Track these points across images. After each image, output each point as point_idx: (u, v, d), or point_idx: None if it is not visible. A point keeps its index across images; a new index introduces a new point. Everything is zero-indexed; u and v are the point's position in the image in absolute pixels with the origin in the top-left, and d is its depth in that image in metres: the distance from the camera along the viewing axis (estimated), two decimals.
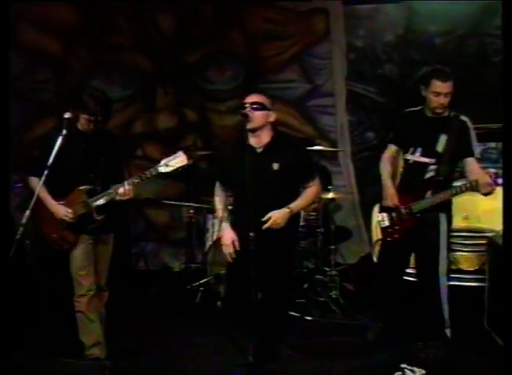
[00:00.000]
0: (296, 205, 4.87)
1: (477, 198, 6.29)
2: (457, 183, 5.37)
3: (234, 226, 5.04)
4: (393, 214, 5.40)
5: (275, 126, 5.00)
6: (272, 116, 4.92)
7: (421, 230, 5.34)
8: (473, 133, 5.28)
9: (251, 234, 4.64)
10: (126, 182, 4.93)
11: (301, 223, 6.15)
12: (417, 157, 5.34)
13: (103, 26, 8.52)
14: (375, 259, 6.17)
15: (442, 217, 5.34)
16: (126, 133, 8.44)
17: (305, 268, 7.15)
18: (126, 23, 8.53)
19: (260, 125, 4.86)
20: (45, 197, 4.99)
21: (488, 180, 5.05)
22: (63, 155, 4.77)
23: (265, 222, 4.78)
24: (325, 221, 7.04)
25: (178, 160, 4.87)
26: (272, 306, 4.94)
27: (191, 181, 7.43)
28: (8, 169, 4.74)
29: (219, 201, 5.20)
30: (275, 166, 4.86)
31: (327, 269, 7.01)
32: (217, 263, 6.67)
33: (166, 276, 8.03)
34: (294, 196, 4.93)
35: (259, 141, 4.92)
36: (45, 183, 4.78)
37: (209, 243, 6.96)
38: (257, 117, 4.84)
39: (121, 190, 4.91)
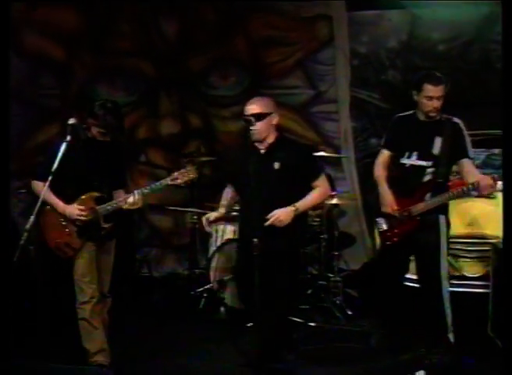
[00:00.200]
0: (301, 203, 4.86)
1: (481, 205, 6.33)
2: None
3: (240, 231, 5.09)
4: (392, 218, 5.41)
5: (278, 126, 5.02)
6: (275, 119, 4.94)
7: (421, 233, 5.34)
8: (466, 135, 5.33)
9: (255, 240, 4.64)
10: (136, 191, 4.95)
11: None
12: (413, 161, 5.35)
13: (107, 32, 8.55)
14: None
15: (442, 219, 5.36)
16: (130, 138, 8.44)
17: (309, 274, 7.15)
18: (129, 29, 8.56)
19: (265, 135, 4.92)
20: (54, 201, 4.97)
21: (490, 181, 5.09)
22: (69, 161, 4.78)
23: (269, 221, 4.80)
24: (329, 227, 7.03)
25: (187, 173, 4.94)
26: (273, 308, 4.92)
27: (195, 187, 7.43)
28: (8, 174, 4.73)
29: (224, 197, 5.22)
30: (276, 165, 4.88)
31: (330, 275, 7.00)
32: (220, 269, 6.67)
33: (170, 282, 8.03)
34: (299, 196, 4.91)
35: (263, 142, 4.97)
36: (51, 189, 4.80)
37: (213, 249, 6.95)
38: (261, 128, 4.88)
39: (130, 199, 4.93)
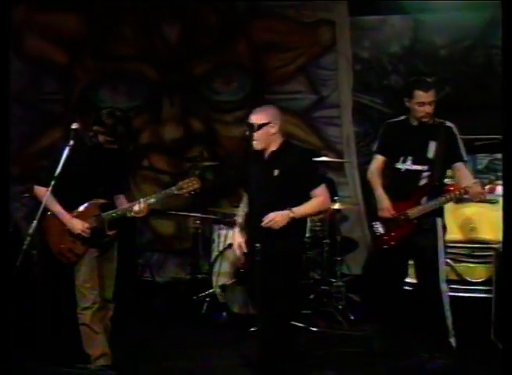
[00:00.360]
0: (298, 209, 4.87)
1: (483, 210, 6.33)
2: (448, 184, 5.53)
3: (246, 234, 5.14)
4: (389, 222, 5.42)
5: (283, 133, 5.05)
6: (273, 128, 4.96)
7: (418, 236, 5.38)
8: (459, 138, 5.40)
9: (257, 245, 4.66)
10: (141, 200, 4.98)
11: (307, 234, 6.15)
12: (409, 165, 5.40)
13: (109, 37, 8.56)
14: None
15: (439, 222, 5.41)
16: (133, 144, 8.44)
17: (311, 279, 7.13)
18: (132, 33, 8.57)
19: (264, 143, 4.96)
20: (59, 211, 4.97)
21: (479, 189, 5.20)
22: (74, 166, 4.80)
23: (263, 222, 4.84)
24: (331, 232, 7.03)
25: (191, 184, 5.01)
26: (272, 310, 4.92)
27: (197, 192, 7.42)
28: (8, 178, 4.74)
29: (241, 207, 5.28)
30: (276, 172, 4.91)
31: (333, 279, 7.00)
32: (223, 274, 6.66)
33: (172, 287, 8.03)
34: (298, 204, 4.92)
35: (267, 150, 5.01)
36: (53, 195, 4.80)
37: (215, 253, 6.96)
38: (258, 138, 4.93)
39: (136, 207, 4.95)
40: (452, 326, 5.33)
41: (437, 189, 5.38)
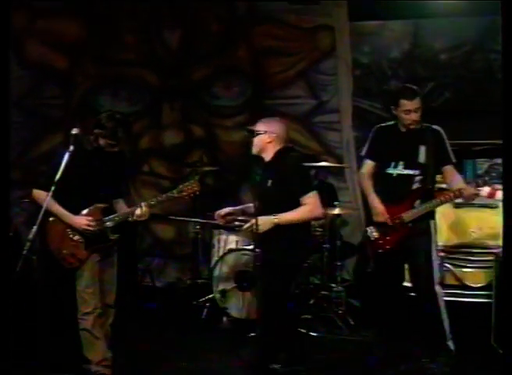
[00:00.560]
0: (283, 215, 4.91)
1: (483, 214, 6.34)
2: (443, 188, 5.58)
3: None
4: (383, 226, 5.45)
5: (281, 142, 5.11)
6: (268, 138, 5.07)
7: (413, 239, 5.41)
8: (447, 141, 5.47)
9: (257, 250, 4.69)
10: (142, 204, 4.99)
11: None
12: (400, 170, 5.45)
13: (109, 42, 8.58)
14: None
15: (432, 224, 5.48)
16: (133, 148, 8.45)
17: (311, 284, 7.13)
18: (132, 39, 8.58)
19: (259, 149, 5.10)
20: (60, 211, 4.96)
21: (473, 191, 5.29)
22: (74, 171, 4.79)
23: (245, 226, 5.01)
24: (331, 237, 7.03)
25: (191, 187, 5.02)
26: (268, 312, 4.94)
27: (197, 197, 7.42)
28: (8, 182, 4.74)
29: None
30: (269, 182, 5.02)
31: (333, 285, 7.00)
32: (223, 279, 6.66)
33: (172, 292, 8.03)
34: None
35: (265, 158, 5.13)
36: (54, 199, 4.80)
37: (215, 258, 6.95)
38: (255, 143, 5.08)
39: (138, 211, 4.97)
40: (449, 330, 5.34)
41: (429, 192, 5.46)
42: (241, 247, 6.76)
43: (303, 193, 4.96)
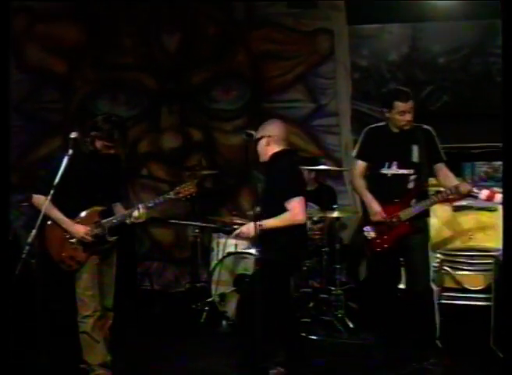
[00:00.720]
0: (267, 221, 4.95)
1: (482, 217, 6.33)
2: (440, 190, 5.57)
3: None
4: (381, 225, 5.47)
5: (278, 144, 5.14)
6: (265, 142, 5.12)
7: (411, 237, 5.45)
8: (438, 140, 5.53)
9: (256, 253, 4.71)
10: (140, 206, 5.00)
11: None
12: (394, 170, 5.48)
13: (108, 46, 8.59)
14: None
15: (428, 222, 5.56)
16: (132, 152, 8.45)
17: (310, 287, 7.12)
18: (131, 43, 8.59)
19: (261, 156, 5.17)
20: (60, 217, 4.97)
21: (468, 186, 5.36)
22: (72, 174, 4.80)
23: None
24: (331, 240, 7.03)
25: (187, 188, 5.05)
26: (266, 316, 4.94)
27: (196, 200, 7.43)
28: (8, 186, 4.73)
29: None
30: (263, 186, 5.13)
31: (332, 288, 6.99)
32: (222, 283, 6.66)
33: (171, 296, 8.02)
34: None
35: (264, 160, 5.20)
36: (53, 203, 4.80)
37: (214, 262, 6.95)
38: (258, 151, 5.18)
39: (135, 213, 4.98)
40: (439, 327, 5.41)
41: (424, 191, 5.52)
42: (240, 250, 6.76)
43: (286, 198, 4.98)
